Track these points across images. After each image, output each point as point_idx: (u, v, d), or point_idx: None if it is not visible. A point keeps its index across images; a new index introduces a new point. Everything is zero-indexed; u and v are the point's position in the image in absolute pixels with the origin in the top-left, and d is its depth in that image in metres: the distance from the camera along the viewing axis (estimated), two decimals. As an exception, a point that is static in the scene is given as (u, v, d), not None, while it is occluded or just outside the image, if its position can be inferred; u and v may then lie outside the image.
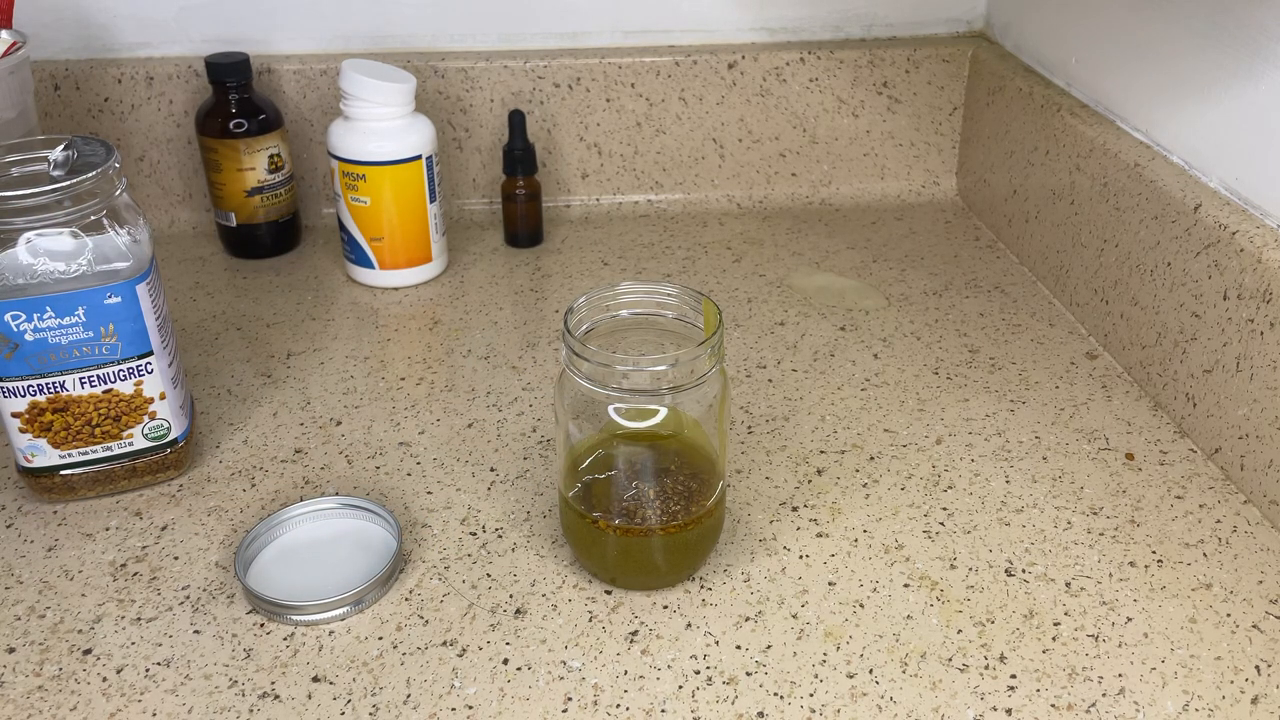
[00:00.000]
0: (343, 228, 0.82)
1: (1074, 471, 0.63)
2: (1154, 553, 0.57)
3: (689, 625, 0.52)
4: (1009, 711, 0.47)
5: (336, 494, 0.60)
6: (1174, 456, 0.64)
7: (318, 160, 0.93)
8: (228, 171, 0.85)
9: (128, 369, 0.57)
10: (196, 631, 0.51)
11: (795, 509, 0.59)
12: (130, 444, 0.59)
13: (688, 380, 0.49)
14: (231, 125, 0.83)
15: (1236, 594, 0.54)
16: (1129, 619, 0.52)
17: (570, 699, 0.48)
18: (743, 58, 0.94)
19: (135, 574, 0.55)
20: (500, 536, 0.57)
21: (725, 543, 0.57)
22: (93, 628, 0.52)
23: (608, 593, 0.54)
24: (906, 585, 0.54)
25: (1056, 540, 0.57)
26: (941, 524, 0.58)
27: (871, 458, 0.64)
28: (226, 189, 0.85)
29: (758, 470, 0.63)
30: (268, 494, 0.61)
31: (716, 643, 0.51)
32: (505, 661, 0.50)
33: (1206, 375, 0.63)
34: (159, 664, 0.50)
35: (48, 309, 0.54)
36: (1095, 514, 0.59)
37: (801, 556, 0.56)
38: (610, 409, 0.50)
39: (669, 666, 0.49)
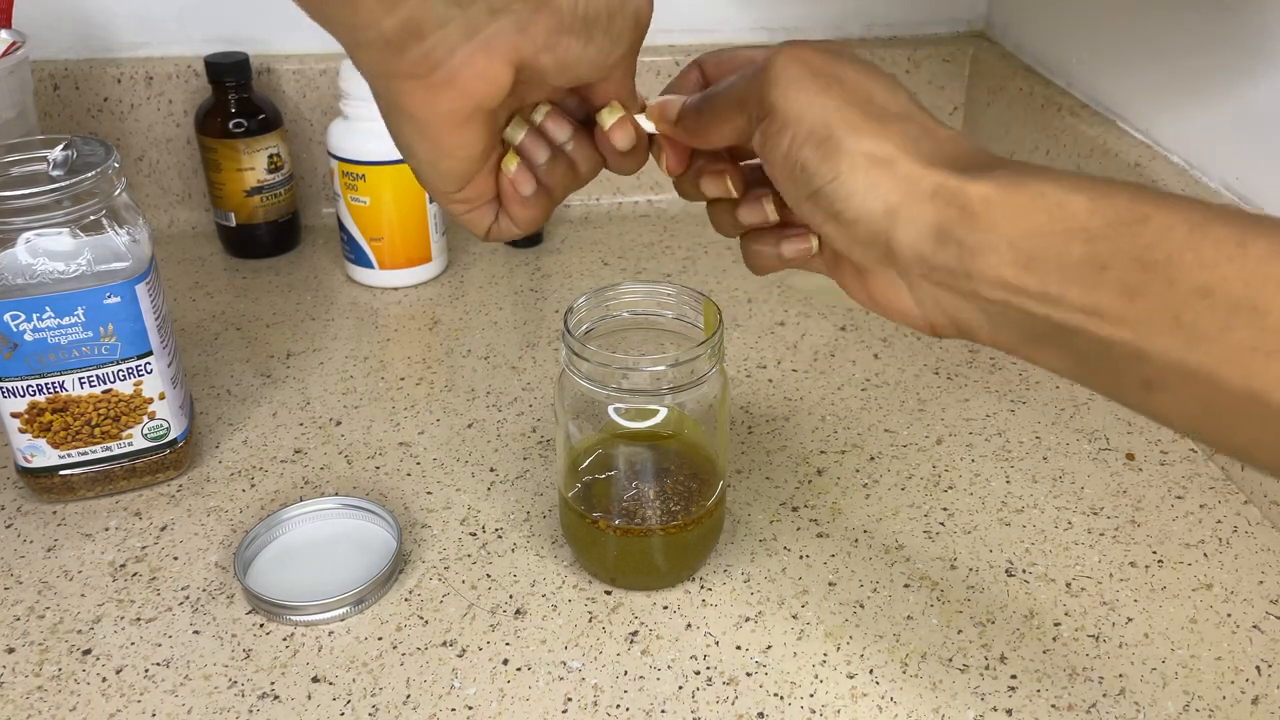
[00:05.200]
0: (342, 227, 0.82)
1: (1074, 471, 0.63)
2: (1154, 553, 0.57)
3: (689, 625, 0.52)
4: (1009, 712, 0.47)
5: (336, 494, 0.60)
6: (1174, 456, 0.64)
7: (318, 160, 0.93)
8: (227, 171, 0.85)
9: (127, 369, 0.57)
10: (196, 632, 0.51)
11: (795, 509, 0.59)
12: (130, 444, 0.59)
13: (688, 380, 0.49)
14: (231, 125, 0.83)
15: (1237, 594, 0.54)
16: (1129, 619, 0.52)
17: (570, 699, 0.48)
18: (743, 57, 0.94)
19: (135, 574, 0.55)
20: (500, 537, 0.57)
21: (725, 543, 0.57)
22: (92, 628, 0.51)
23: (608, 593, 0.54)
24: (907, 585, 0.54)
25: (1057, 540, 0.57)
26: (941, 524, 0.58)
27: (872, 458, 0.64)
28: (226, 189, 0.85)
29: (758, 470, 0.63)
30: (267, 494, 0.60)
31: (716, 643, 0.51)
32: (505, 662, 0.50)
33: (1207, 375, 0.63)
34: (159, 664, 0.49)
35: (47, 309, 0.54)
36: (1095, 514, 0.59)
37: (801, 556, 0.56)
38: (610, 409, 0.50)
39: (669, 667, 0.49)
